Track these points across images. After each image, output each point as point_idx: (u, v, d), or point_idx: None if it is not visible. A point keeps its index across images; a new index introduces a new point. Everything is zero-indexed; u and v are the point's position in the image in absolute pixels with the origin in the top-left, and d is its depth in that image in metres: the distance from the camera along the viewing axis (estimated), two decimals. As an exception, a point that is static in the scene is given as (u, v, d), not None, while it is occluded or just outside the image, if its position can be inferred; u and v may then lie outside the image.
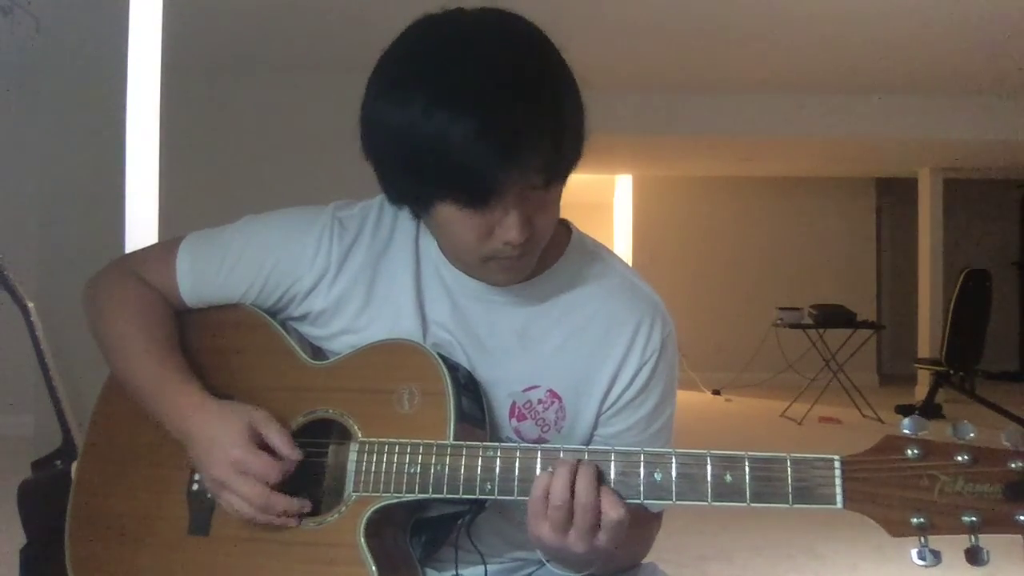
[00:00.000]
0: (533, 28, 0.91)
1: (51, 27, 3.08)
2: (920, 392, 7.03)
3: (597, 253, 1.08)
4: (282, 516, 0.94)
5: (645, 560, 1.10)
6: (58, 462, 2.19)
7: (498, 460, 0.89)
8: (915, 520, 0.77)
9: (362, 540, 0.91)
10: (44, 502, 2.07)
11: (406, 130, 0.85)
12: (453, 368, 0.96)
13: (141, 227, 2.81)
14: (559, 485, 0.84)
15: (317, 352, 1.07)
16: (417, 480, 0.91)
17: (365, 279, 1.04)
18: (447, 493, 0.90)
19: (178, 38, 3.04)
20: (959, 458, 0.77)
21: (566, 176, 0.93)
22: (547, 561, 0.94)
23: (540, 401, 1.01)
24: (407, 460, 0.92)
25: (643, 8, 4.44)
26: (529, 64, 0.87)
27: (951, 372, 6.17)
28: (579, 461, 0.85)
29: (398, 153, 0.88)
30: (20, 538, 2.09)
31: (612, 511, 0.84)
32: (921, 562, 0.77)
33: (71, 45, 3.00)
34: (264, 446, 0.95)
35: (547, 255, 1.03)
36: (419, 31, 0.90)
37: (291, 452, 0.95)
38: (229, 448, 0.94)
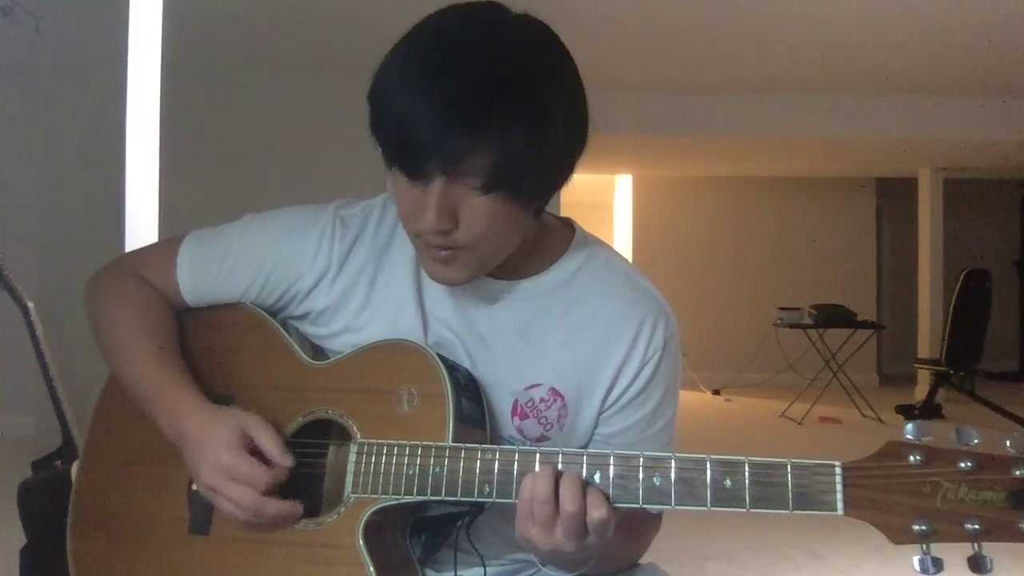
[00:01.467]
0: (544, 32, 0.91)
1: (51, 27, 3.08)
2: (920, 392, 7.02)
3: (600, 251, 1.08)
4: (275, 520, 0.94)
5: (645, 560, 1.10)
6: (58, 462, 2.19)
7: (496, 462, 0.89)
8: (917, 527, 0.77)
9: (361, 541, 0.91)
10: (44, 502, 2.07)
11: (380, 88, 0.88)
12: (453, 368, 0.96)
13: (141, 227, 2.82)
14: (542, 483, 0.84)
15: (317, 352, 1.07)
16: (416, 482, 0.91)
17: (366, 278, 1.04)
18: (446, 495, 0.90)
19: (178, 38, 3.04)
20: (962, 465, 0.76)
21: (517, 192, 0.89)
22: (542, 565, 0.94)
23: (542, 399, 1.01)
24: (406, 461, 0.92)
25: (643, 8, 4.44)
26: (511, 70, 0.85)
27: (951, 372, 6.17)
28: (559, 470, 0.86)
29: (372, 110, 0.90)
30: (20, 538, 2.09)
31: (595, 511, 0.83)
32: (922, 570, 0.76)
33: (71, 45, 3.00)
34: (257, 452, 0.95)
35: (549, 253, 1.04)
36: (434, 14, 0.92)
37: (282, 459, 0.94)
38: (219, 453, 0.93)
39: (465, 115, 0.83)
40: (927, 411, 6.14)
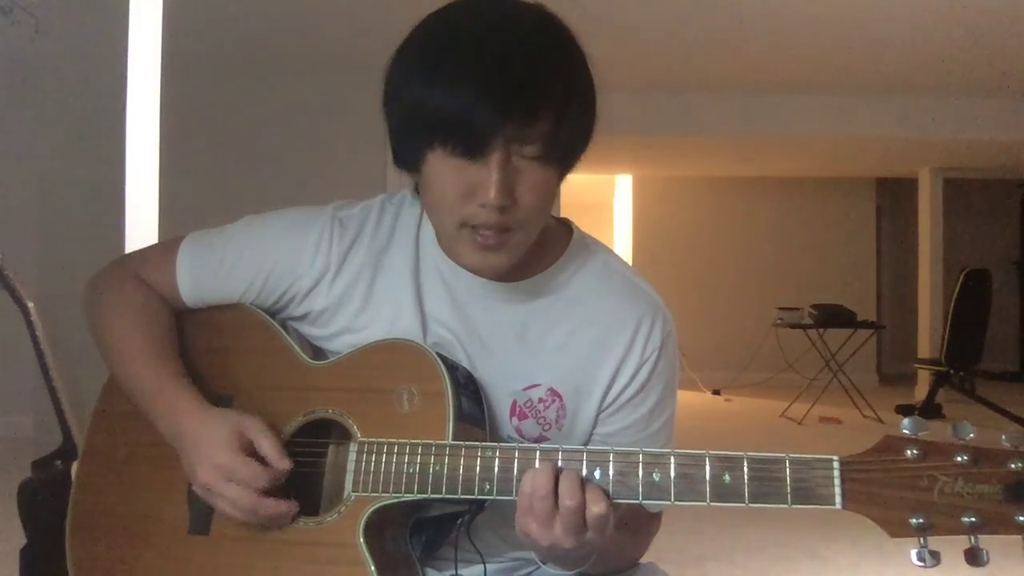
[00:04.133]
0: (564, 24, 0.94)
1: (51, 27, 3.08)
2: (920, 392, 7.03)
3: (598, 252, 1.08)
4: (272, 520, 0.94)
5: (645, 560, 1.10)
6: (58, 462, 2.19)
7: (496, 460, 0.89)
8: (914, 521, 0.77)
9: (361, 540, 0.91)
10: (44, 502, 2.07)
11: (417, 73, 0.88)
12: (452, 368, 0.96)
13: (141, 227, 2.82)
14: (542, 478, 0.84)
15: (317, 352, 1.08)
16: (416, 480, 0.91)
17: (365, 278, 1.04)
18: (446, 493, 0.90)
19: (178, 38, 3.04)
20: (959, 458, 0.76)
21: (564, 160, 0.93)
22: (542, 563, 0.94)
23: (541, 400, 1.01)
24: (406, 460, 0.92)
25: (644, 8, 4.45)
26: (551, 41, 0.90)
27: (951, 372, 6.17)
28: (559, 466, 0.86)
29: (406, 96, 0.90)
30: (20, 538, 2.09)
31: (595, 506, 0.84)
32: (920, 563, 0.77)
33: (71, 45, 3.01)
34: (254, 453, 0.95)
35: (548, 253, 1.04)
36: (450, 6, 0.93)
37: (279, 461, 0.94)
38: (216, 455, 0.93)
39: (532, 84, 0.85)
40: (927, 411, 6.14)
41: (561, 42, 0.92)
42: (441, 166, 0.90)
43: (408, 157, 0.94)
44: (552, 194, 0.94)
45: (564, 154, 0.92)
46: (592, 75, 0.94)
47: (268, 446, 0.95)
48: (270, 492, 0.94)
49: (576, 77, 0.92)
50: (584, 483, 0.84)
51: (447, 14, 0.92)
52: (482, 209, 0.89)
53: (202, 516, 1.00)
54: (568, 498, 0.83)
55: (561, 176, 0.95)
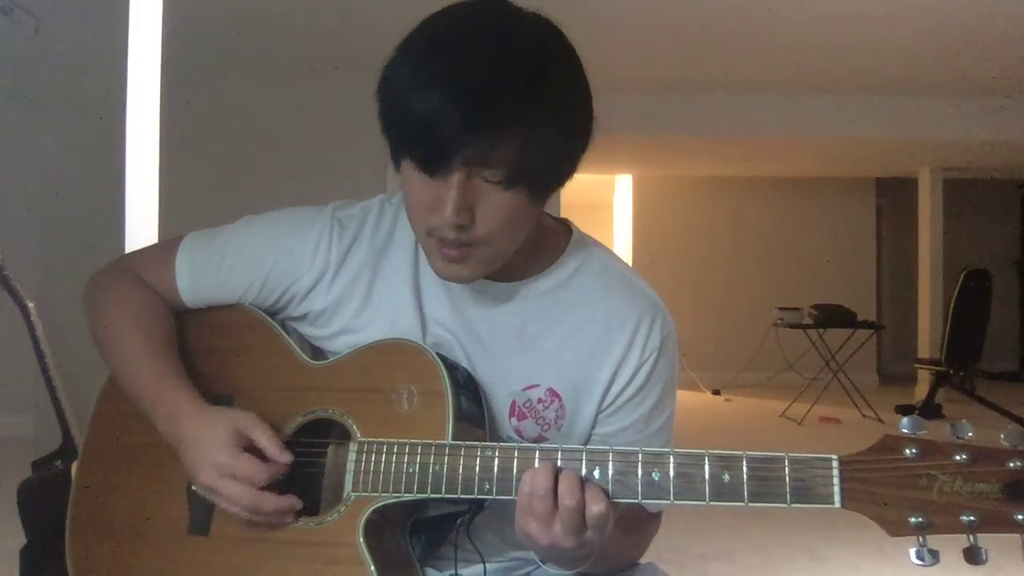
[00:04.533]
0: (554, 28, 0.92)
1: (51, 27, 3.09)
2: (920, 392, 7.02)
3: (597, 252, 1.08)
4: (274, 515, 0.94)
5: (645, 560, 1.10)
6: (58, 462, 2.19)
7: (496, 460, 0.89)
8: (913, 520, 0.77)
9: (361, 540, 0.92)
10: (44, 502, 2.07)
11: (397, 80, 0.87)
12: (452, 368, 0.96)
13: (141, 227, 2.82)
14: (542, 478, 0.84)
15: (317, 352, 1.08)
16: (416, 480, 0.91)
17: (365, 278, 1.04)
18: (446, 493, 0.90)
19: (178, 38, 3.04)
20: (958, 457, 0.77)
21: (535, 186, 0.90)
22: (542, 562, 0.94)
23: (540, 400, 1.01)
24: (406, 460, 0.92)
25: (644, 8, 4.44)
26: (535, 65, 0.87)
27: (951, 372, 6.17)
28: (559, 466, 0.86)
29: (386, 102, 0.90)
30: (20, 538, 2.09)
31: (594, 505, 0.84)
32: (919, 562, 0.77)
33: (71, 45, 3.01)
34: (254, 449, 0.95)
35: (547, 254, 1.04)
36: (447, 9, 0.91)
37: (279, 455, 0.94)
38: (215, 453, 0.94)
39: (494, 109, 0.84)
40: (927, 411, 6.14)
41: (545, 64, 0.88)
42: (410, 176, 0.90)
43: (393, 160, 0.95)
44: (521, 217, 0.92)
45: (533, 180, 0.89)
46: (587, 98, 0.92)
47: (266, 441, 0.95)
48: (271, 489, 0.94)
49: (555, 103, 0.88)
50: (584, 483, 0.85)
51: (437, 25, 0.90)
52: (443, 223, 0.90)
53: (202, 516, 1.00)
54: (568, 497, 0.83)
55: (535, 200, 0.92)
